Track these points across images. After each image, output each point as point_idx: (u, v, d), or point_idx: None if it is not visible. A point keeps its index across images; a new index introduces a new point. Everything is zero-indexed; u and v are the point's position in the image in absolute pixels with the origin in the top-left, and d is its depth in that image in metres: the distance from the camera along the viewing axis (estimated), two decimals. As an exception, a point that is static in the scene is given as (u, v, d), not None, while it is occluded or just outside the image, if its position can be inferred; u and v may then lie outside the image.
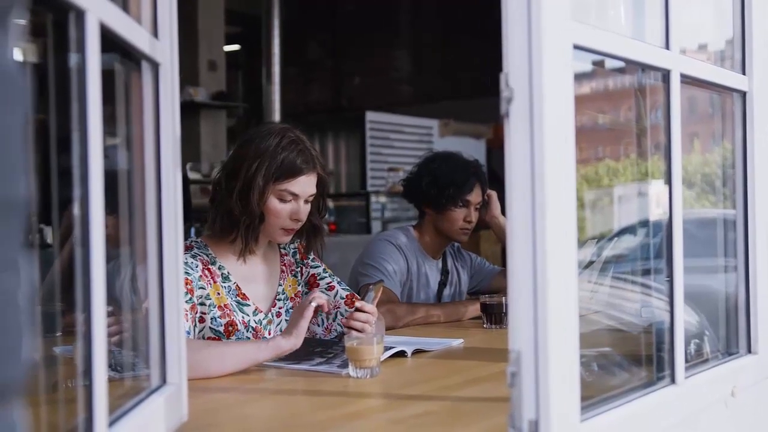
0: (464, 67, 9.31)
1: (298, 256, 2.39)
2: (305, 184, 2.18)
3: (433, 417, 1.52)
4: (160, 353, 1.35)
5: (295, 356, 2.01)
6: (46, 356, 1.58)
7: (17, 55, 0.58)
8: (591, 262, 2.25)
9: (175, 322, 1.37)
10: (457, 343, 2.32)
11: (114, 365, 1.38)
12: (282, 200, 2.16)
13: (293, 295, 2.34)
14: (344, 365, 1.89)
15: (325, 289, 2.35)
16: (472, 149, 6.39)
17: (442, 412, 1.56)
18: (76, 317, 1.04)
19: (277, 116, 8.66)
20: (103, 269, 1.01)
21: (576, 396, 1.20)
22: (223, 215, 2.17)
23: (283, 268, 2.35)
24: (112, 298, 1.14)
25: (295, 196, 2.17)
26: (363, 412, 1.61)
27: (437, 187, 2.94)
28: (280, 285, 2.32)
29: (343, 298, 2.33)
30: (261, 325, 2.23)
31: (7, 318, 0.55)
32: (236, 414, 1.61)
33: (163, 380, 1.35)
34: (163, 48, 1.34)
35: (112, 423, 1.09)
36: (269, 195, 2.15)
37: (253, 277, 2.26)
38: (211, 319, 2.12)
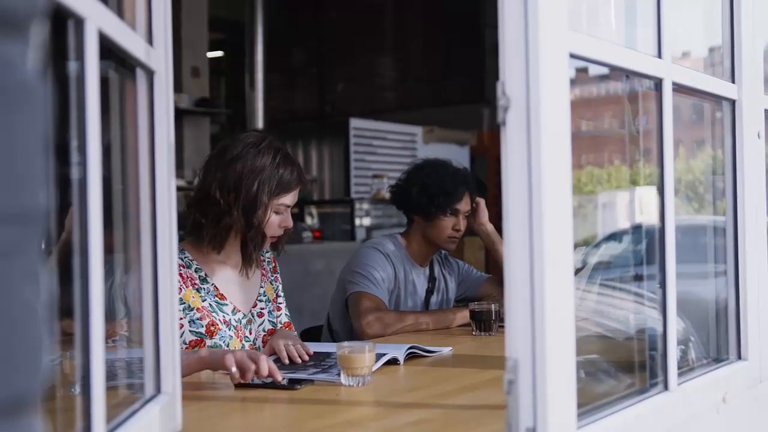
0: (448, 74, 9.34)
1: (271, 267, 2.48)
2: (296, 195, 2.30)
3: (427, 425, 1.52)
4: (154, 362, 1.34)
5: (291, 367, 2.00)
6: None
7: (37, 64, 0.58)
8: (578, 270, 2.26)
9: (169, 332, 1.36)
10: (447, 351, 2.32)
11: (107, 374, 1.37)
12: (277, 213, 2.26)
13: (272, 299, 2.42)
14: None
15: (275, 309, 2.44)
16: (456, 156, 6.38)
17: (437, 420, 1.56)
18: (69, 325, 1.03)
19: (260, 123, 8.64)
20: (101, 278, 1.01)
21: (573, 403, 1.21)
22: (224, 230, 2.22)
23: (263, 272, 2.42)
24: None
25: (288, 207, 2.28)
26: (357, 420, 1.60)
27: (427, 195, 2.94)
28: (262, 287, 2.39)
29: (281, 324, 2.41)
30: (241, 324, 2.28)
31: (28, 329, 0.55)
32: (229, 423, 1.60)
33: (158, 389, 1.34)
34: (157, 56, 1.34)
35: (108, 433, 1.08)
36: (270, 211, 2.23)
37: (233, 279, 2.31)
38: (190, 322, 2.17)
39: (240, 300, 2.30)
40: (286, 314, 2.48)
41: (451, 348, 2.34)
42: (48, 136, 0.59)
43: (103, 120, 1.19)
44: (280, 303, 2.48)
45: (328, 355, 2.16)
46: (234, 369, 1.77)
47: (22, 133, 0.54)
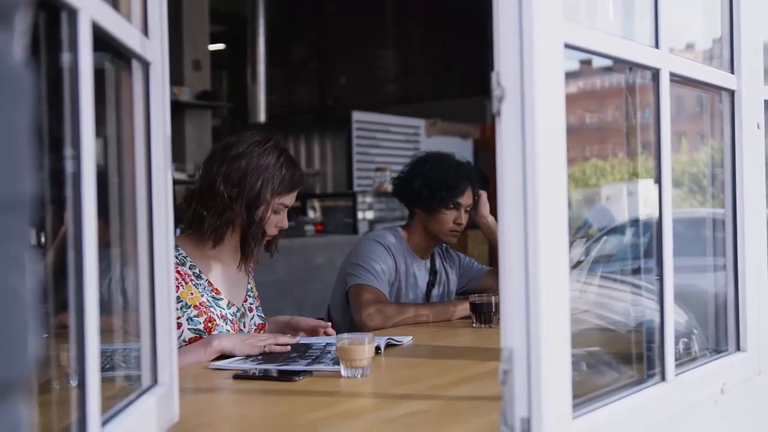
0: (450, 67, 9.33)
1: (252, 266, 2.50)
2: (294, 196, 2.33)
3: (425, 416, 1.53)
4: (151, 354, 1.35)
5: (281, 360, 2.01)
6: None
7: (22, 53, 0.58)
8: (579, 262, 2.26)
9: (166, 323, 1.36)
10: (407, 340, 2.34)
11: (104, 365, 1.37)
12: (276, 212, 2.28)
13: (257, 296, 2.47)
14: (337, 362, 1.89)
15: (259, 305, 2.47)
16: (459, 149, 6.40)
17: (434, 411, 1.56)
18: (67, 318, 1.03)
19: (262, 117, 8.64)
20: (96, 270, 1.01)
21: (568, 393, 1.21)
22: (225, 224, 2.24)
23: (250, 270, 2.46)
24: (100, 299, 1.14)
25: (286, 207, 2.31)
26: (355, 411, 1.61)
27: (429, 188, 2.94)
28: (249, 283, 2.44)
29: (256, 326, 2.41)
30: (236, 317, 2.31)
31: (14, 315, 0.55)
32: (227, 414, 1.61)
33: (155, 380, 1.35)
34: (153, 47, 1.34)
35: (104, 423, 1.08)
36: (271, 209, 2.25)
37: (224, 275, 2.34)
38: (188, 319, 2.19)
39: (232, 295, 2.34)
40: (259, 315, 2.48)
41: (411, 337, 2.36)
42: (33, 124, 0.59)
43: (100, 112, 1.19)
44: (253, 302, 2.49)
45: (309, 346, 2.17)
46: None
47: (7, 122, 0.55)
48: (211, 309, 2.23)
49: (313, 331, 2.38)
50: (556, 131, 1.19)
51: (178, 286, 2.18)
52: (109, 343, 1.46)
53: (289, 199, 2.30)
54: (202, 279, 2.27)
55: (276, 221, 2.29)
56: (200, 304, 2.22)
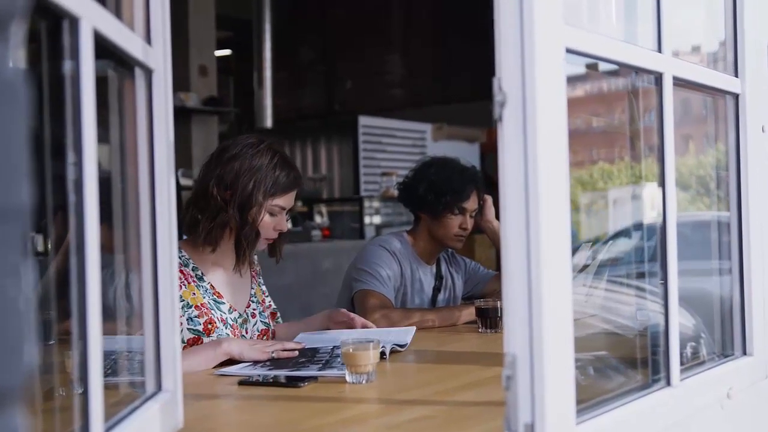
0: (457, 71, 9.32)
1: (259, 270, 2.51)
2: (292, 198, 2.32)
3: (429, 421, 1.52)
4: (155, 360, 1.35)
5: (290, 366, 2.01)
6: (41, 364, 1.57)
7: (18, 62, 0.58)
8: (586, 266, 2.26)
9: (170, 329, 1.36)
10: (411, 332, 2.36)
11: (107, 371, 1.38)
12: (271, 214, 2.28)
13: (261, 300, 2.46)
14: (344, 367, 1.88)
15: (264, 310, 2.46)
16: (466, 153, 6.41)
17: (439, 417, 1.56)
18: (71, 325, 1.04)
19: (268, 122, 8.64)
20: (99, 277, 1.01)
21: (571, 399, 1.20)
22: (219, 226, 2.24)
23: (253, 274, 2.46)
24: (106, 306, 1.14)
25: (283, 209, 2.30)
26: (360, 417, 1.60)
27: (434, 193, 2.94)
28: (252, 288, 2.43)
29: (259, 332, 2.41)
30: (237, 323, 2.31)
31: (9, 323, 0.55)
32: (232, 421, 1.61)
33: (159, 387, 1.35)
34: (156, 54, 1.34)
35: (107, 430, 1.08)
36: (264, 210, 2.25)
37: (227, 279, 2.34)
38: (188, 319, 2.20)
39: (234, 300, 2.34)
40: (268, 309, 2.50)
41: (414, 328, 2.39)
42: (31, 134, 0.59)
43: (103, 119, 1.19)
44: (270, 301, 2.50)
45: (316, 350, 2.17)
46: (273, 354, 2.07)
47: (4, 131, 0.55)
48: (212, 311, 2.24)
49: (349, 325, 2.41)
50: (558, 136, 1.19)
51: (180, 286, 2.19)
52: (113, 350, 1.46)
53: (284, 201, 2.29)
54: (204, 281, 2.27)
55: (273, 224, 2.28)
56: (201, 305, 2.23)
